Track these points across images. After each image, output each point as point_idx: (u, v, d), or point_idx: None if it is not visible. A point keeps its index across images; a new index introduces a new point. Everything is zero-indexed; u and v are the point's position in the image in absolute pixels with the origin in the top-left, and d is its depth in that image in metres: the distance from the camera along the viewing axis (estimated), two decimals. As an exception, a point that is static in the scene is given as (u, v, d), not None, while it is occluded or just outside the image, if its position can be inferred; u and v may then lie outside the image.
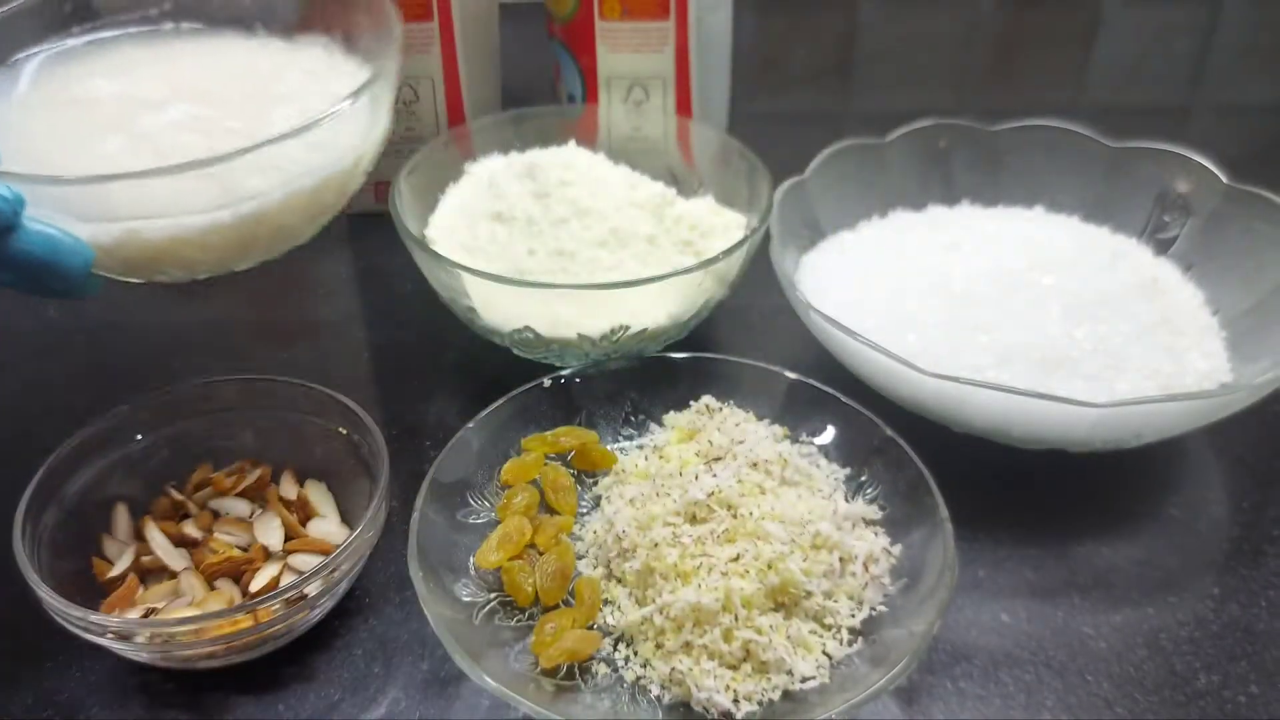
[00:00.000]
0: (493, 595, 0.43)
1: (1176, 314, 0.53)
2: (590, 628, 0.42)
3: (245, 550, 0.44)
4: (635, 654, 0.41)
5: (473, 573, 0.43)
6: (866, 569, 0.42)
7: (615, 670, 0.41)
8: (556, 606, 0.42)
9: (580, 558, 0.45)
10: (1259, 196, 0.55)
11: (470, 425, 0.47)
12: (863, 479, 0.47)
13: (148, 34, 0.54)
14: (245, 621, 0.39)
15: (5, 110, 0.50)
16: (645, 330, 0.52)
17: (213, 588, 0.43)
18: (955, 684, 0.42)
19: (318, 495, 0.47)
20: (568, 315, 0.51)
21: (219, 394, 0.48)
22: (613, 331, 0.52)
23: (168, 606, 0.42)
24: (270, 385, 0.48)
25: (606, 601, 0.43)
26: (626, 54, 0.68)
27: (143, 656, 0.40)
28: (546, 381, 0.50)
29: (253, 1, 0.55)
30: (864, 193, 0.62)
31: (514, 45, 0.76)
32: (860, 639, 0.41)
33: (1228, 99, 0.89)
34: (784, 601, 0.41)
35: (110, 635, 0.38)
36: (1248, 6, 1.01)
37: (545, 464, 0.48)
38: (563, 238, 0.53)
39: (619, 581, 0.43)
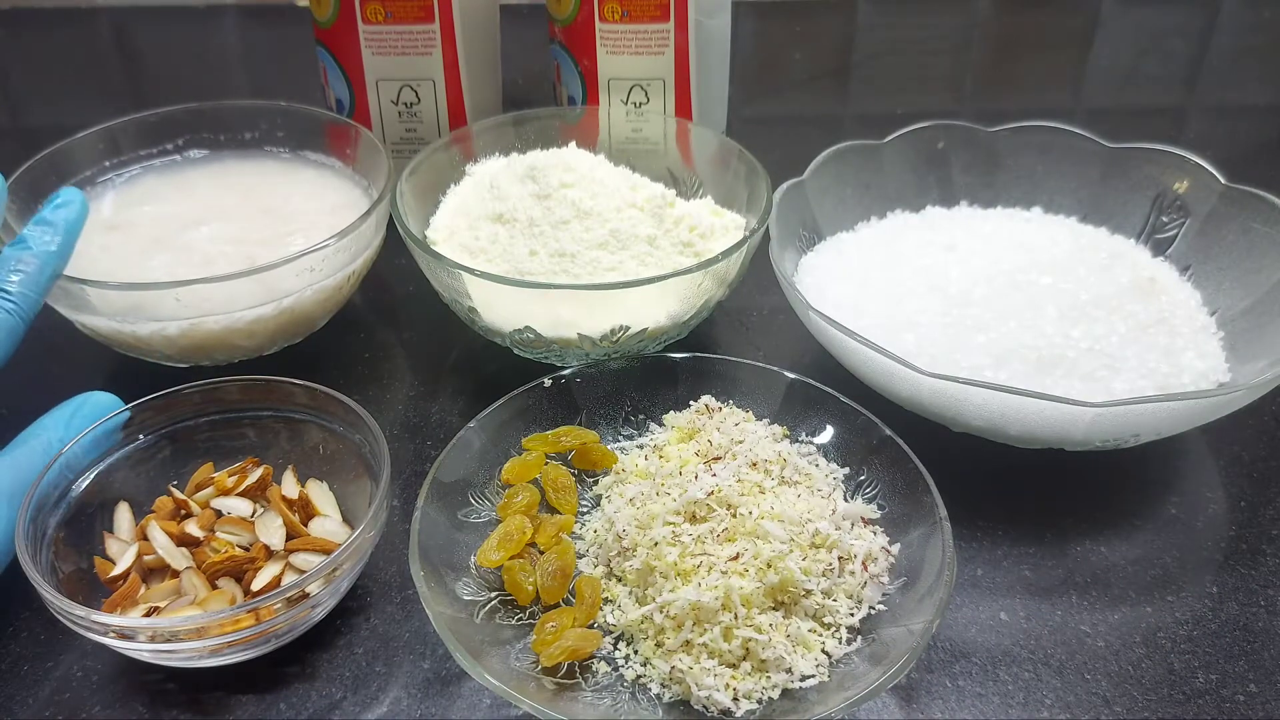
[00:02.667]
0: (493, 594, 0.43)
1: (1174, 314, 0.53)
2: (591, 626, 0.42)
3: (247, 549, 0.44)
4: (635, 652, 0.41)
5: (474, 571, 0.43)
6: (865, 568, 0.42)
7: (615, 669, 0.41)
8: (557, 605, 0.42)
9: (581, 557, 0.45)
10: (1257, 197, 0.56)
11: (471, 425, 0.47)
12: (861, 478, 0.47)
13: (165, 164, 0.65)
14: (247, 621, 0.38)
15: None
16: (645, 330, 0.52)
17: (215, 587, 0.42)
18: (954, 682, 0.42)
19: (319, 494, 0.47)
20: (568, 316, 0.51)
21: (221, 394, 0.48)
22: (613, 332, 0.52)
23: (170, 606, 0.41)
24: (272, 385, 0.48)
25: (607, 600, 0.43)
26: (626, 56, 0.68)
27: (145, 656, 0.40)
28: (547, 381, 0.50)
29: (251, 133, 0.66)
30: (862, 194, 0.62)
31: (515, 47, 0.76)
32: (859, 637, 0.41)
33: (1225, 100, 0.89)
34: (783, 600, 0.41)
35: (112, 634, 0.38)
36: (1244, 8, 1.02)
37: (546, 463, 0.48)
38: (563, 239, 0.54)
39: (619, 580, 0.43)
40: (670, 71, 0.68)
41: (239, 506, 0.46)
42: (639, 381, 0.51)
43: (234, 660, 0.41)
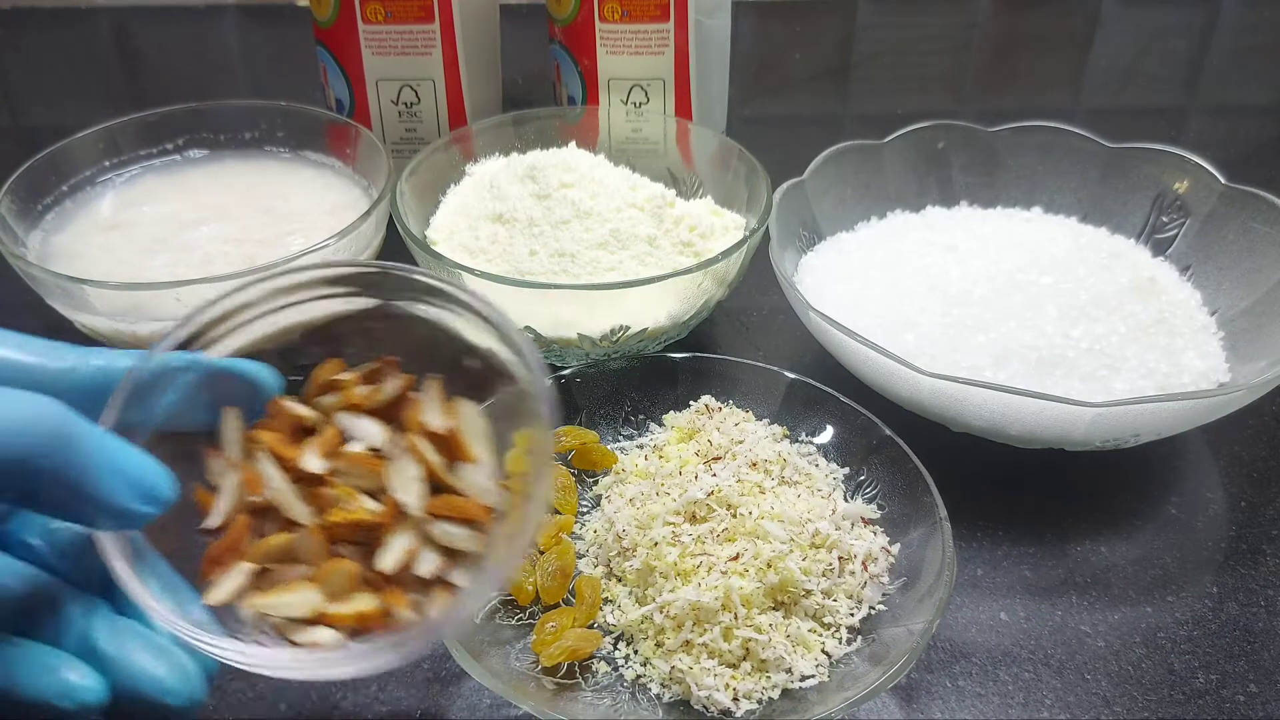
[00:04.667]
0: (493, 594, 0.43)
1: (1174, 314, 0.53)
2: (590, 626, 0.42)
3: (374, 497, 0.32)
4: (635, 652, 0.41)
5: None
6: (865, 568, 0.42)
7: (615, 669, 0.41)
8: (557, 605, 0.42)
9: (581, 557, 0.45)
10: (1257, 197, 0.56)
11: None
12: (861, 478, 0.47)
13: (165, 164, 0.64)
14: (377, 620, 0.30)
15: (60, 239, 0.58)
16: (645, 330, 0.52)
17: (332, 553, 0.31)
18: (954, 682, 0.42)
19: (470, 423, 0.33)
20: (568, 315, 0.51)
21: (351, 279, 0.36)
22: (613, 332, 0.52)
23: (279, 572, 0.31)
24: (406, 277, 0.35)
25: (607, 600, 0.43)
26: (626, 56, 0.68)
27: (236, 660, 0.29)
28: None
29: (251, 133, 0.66)
30: (862, 194, 0.62)
31: (515, 47, 0.76)
32: (859, 637, 0.41)
33: (1225, 100, 0.89)
34: (783, 600, 0.41)
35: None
36: (1245, 8, 1.02)
37: (545, 464, 0.48)
38: (563, 239, 0.54)
39: (619, 580, 0.43)
40: (670, 71, 0.68)
41: (369, 431, 0.33)
42: (639, 381, 0.51)
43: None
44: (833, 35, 1.00)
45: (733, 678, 0.39)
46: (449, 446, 0.33)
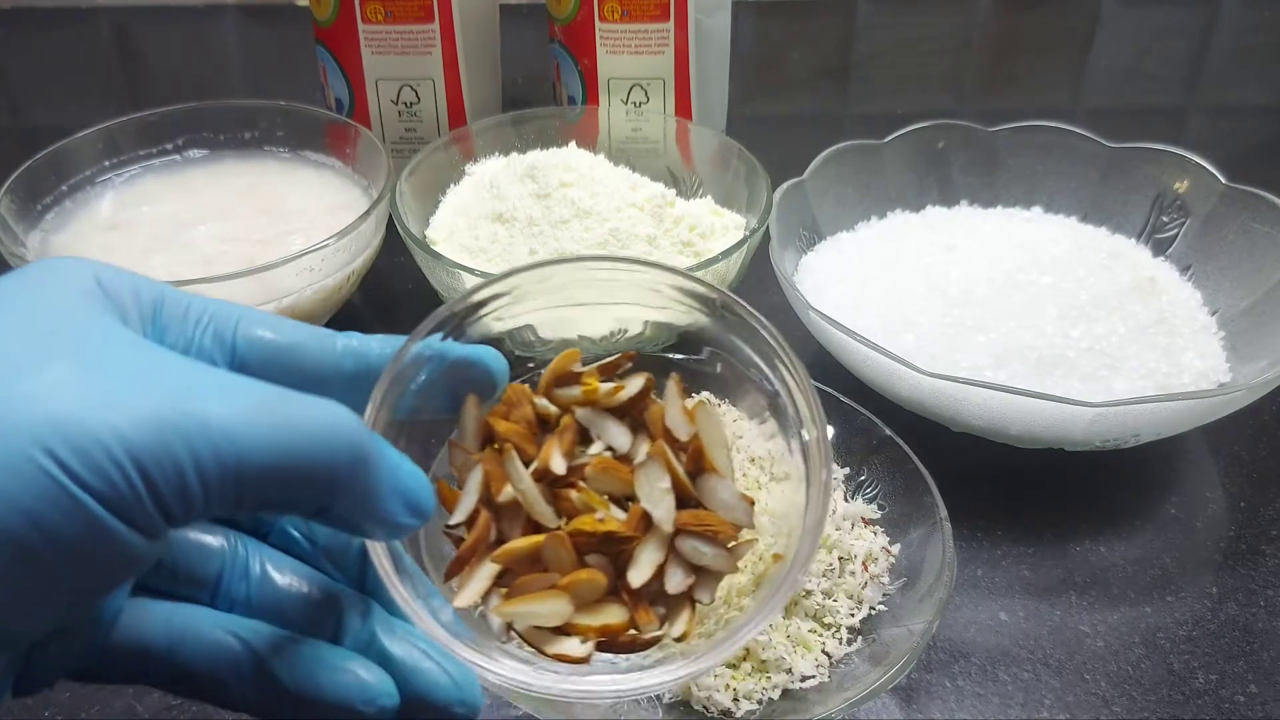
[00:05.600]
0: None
1: (1174, 314, 0.53)
2: (590, 627, 0.42)
3: (619, 504, 0.30)
4: (635, 653, 0.41)
5: (473, 572, 0.43)
6: (865, 568, 0.42)
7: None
8: (557, 605, 0.42)
9: (580, 557, 0.45)
10: (1257, 197, 0.56)
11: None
12: (862, 478, 0.47)
13: (164, 164, 0.64)
14: (622, 633, 0.28)
15: (60, 239, 0.58)
16: (645, 331, 0.52)
17: (582, 563, 0.29)
18: (954, 682, 0.42)
19: (709, 428, 0.31)
20: (568, 315, 0.51)
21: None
22: (612, 333, 0.52)
23: (526, 581, 0.29)
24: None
25: (607, 600, 0.43)
26: (626, 56, 0.68)
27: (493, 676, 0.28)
28: (547, 382, 0.50)
29: (251, 133, 0.66)
30: (862, 194, 0.62)
31: (514, 47, 0.76)
32: (859, 638, 0.41)
33: (1225, 100, 0.89)
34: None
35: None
36: (1245, 7, 1.02)
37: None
38: (563, 238, 0.54)
39: (619, 581, 0.43)
40: (670, 71, 0.68)
41: (615, 434, 0.31)
42: (639, 381, 0.51)
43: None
44: (833, 35, 1.00)
45: (733, 678, 0.39)
46: (692, 456, 0.31)
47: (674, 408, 0.31)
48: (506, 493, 0.30)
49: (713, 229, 0.57)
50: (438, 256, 0.52)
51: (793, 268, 0.56)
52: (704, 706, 0.39)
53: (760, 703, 0.39)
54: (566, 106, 0.71)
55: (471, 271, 0.50)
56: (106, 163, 0.63)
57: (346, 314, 0.61)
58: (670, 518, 0.29)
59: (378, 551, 0.27)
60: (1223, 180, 0.57)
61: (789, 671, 0.39)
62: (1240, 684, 0.42)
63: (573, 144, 0.61)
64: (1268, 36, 0.98)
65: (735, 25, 0.71)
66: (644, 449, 0.31)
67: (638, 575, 0.29)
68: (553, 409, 0.32)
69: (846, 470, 0.47)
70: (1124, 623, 0.44)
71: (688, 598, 0.29)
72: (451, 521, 0.30)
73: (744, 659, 0.40)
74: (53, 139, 0.60)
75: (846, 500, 0.46)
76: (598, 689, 0.28)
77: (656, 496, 0.29)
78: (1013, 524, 0.48)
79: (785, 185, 0.57)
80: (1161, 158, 0.60)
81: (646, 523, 0.29)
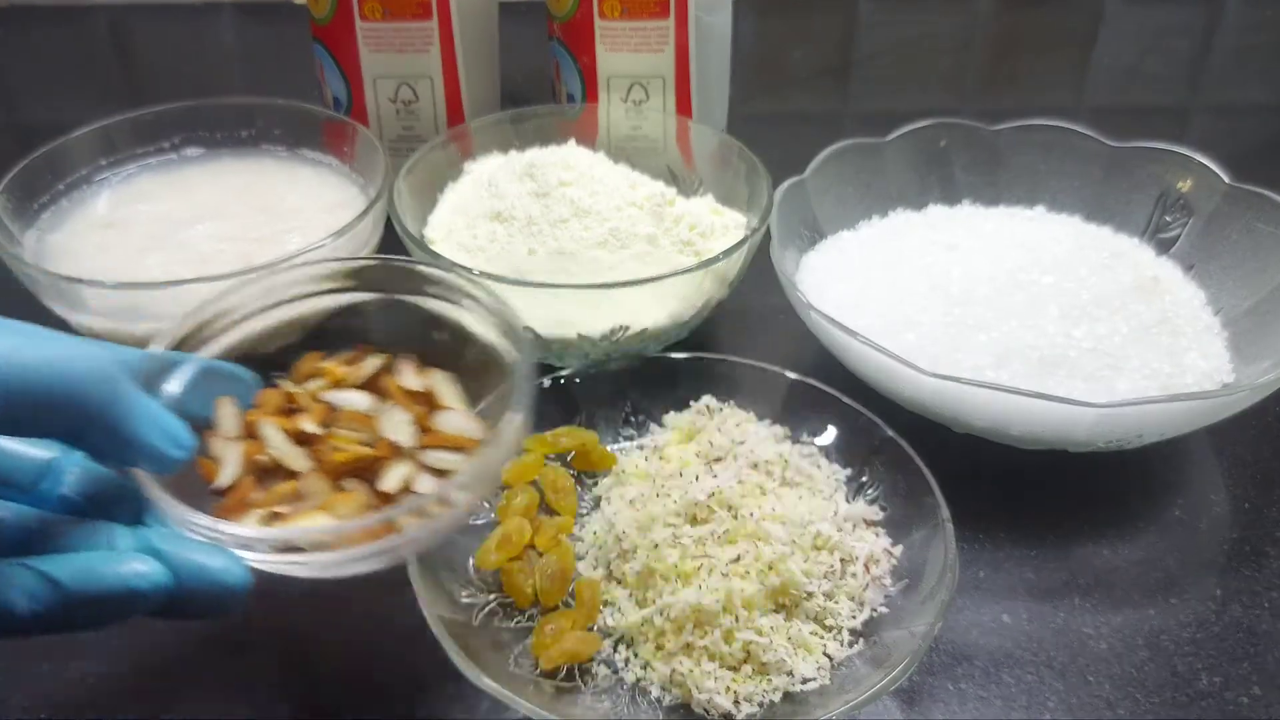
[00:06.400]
0: (492, 596, 0.43)
1: (1177, 314, 0.53)
2: (590, 629, 0.41)
3: (371, 447, 0.37)
4: (635, 655, 0.41)
5: (472, 574, 0.43)
6: (867, 570, 0.42)
7: (615, 672, 0.40)
8: (556, 608, 0.42)
9: (580, 559, 0.45)
10: (1260, 196, 0.55)
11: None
12: (863, 479, 0.47)
13: (161, 163, 0.64)
14: (384, 529, 0.33)
15: (56, 237, 0.58)
16: (645, 330, 0.52)
17: (340, 489, 0.36)
18: (956, 685, 0.42)
19: (444, 386, 0.40)
20: (568, 315, 0.51)
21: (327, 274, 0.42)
22: (613, 332, 0.51)
23: (293, 511, 0.35)
24: (385, 267, 0.41)
25: (606, 603, 0.43)
26: (626, 53, 0.68)
27: (272, 568, 0.34)
28: (546, 382, 0.49)
29: (248, 131, 0.65)
30: (864, 193, 0.62)
31: (514, 45, 0.75)
32: (861, 640, 0.41)
33: (1229, 99, 0.89)
34: (785, 603, 0.41)
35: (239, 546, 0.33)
36: (1248, 6, 1.01)
37: (545, 465, 0.47)
38: (562, 238, 0.53)
39: (619, 583, 0.43)
40: (670, 69, 0.68)
41: (356, 400, 0.39)
42: (639, 382, 0.51)
43: (355, 572, 0.35)
44: (834, 33, 0.99)
45: (734, 681, 0.39)
46: (427, 401, 0.39)
47: (407, 370, 0.40)
48: (266, 454, 0.36)
49: (713, 228, 0.57)
50: (436, 255, 0.52)
51: (794, 267, 0.56)
52: (704, 709, 0.38)
53: (761, 705, 0.39)
54: (566, 104, 0.71)
55: (470, 271, 0.50)
56: (103, 161, 0.62)
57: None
58: (412, 440, 0.37)
59: (140, 474, 0.32)
60: (1226, 179, 0.57)
61: (790, 674, 0.39)
62: (1244, 686, 0.41)
63: (572, 142, 0.61)
64: (1271, 35, 0.98)
65: (736, 23, 0.71)
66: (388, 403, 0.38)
67: (389, 482, 0.35)
68: (302, 392, 0.39)
69: (848, 471, 0.47)
70: (1127, 625, 0.44)
71: (447, 503, 0.34)
72: (217, 485, 0.35)
73: (745, 661, 0.39)
74: (49, 137, 0.60)
75: (848, 501, 0.46)
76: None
77: (398, 427, 0.37)
78: (1015, 525, 0.48)
79: (786, 184, 0.57)
80: (1164, 157, 0.59)
81: (396, 451, 0.36)
